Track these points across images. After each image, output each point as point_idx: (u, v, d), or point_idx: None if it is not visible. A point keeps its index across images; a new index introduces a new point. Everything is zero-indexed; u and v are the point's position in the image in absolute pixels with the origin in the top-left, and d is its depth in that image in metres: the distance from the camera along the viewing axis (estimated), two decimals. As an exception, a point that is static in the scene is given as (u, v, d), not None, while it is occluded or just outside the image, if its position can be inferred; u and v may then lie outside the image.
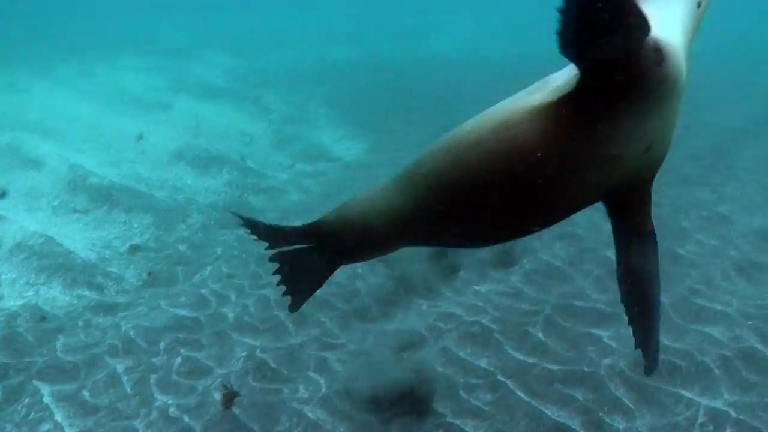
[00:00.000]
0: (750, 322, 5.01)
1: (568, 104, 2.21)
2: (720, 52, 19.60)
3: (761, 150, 9.94)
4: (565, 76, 2.28)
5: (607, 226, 6.29)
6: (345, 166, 10.55)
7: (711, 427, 3.91)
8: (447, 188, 2.45)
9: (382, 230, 2.80)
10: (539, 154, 2.23)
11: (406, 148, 10.50)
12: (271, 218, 8.19)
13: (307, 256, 3.19)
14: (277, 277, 3.20)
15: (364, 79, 16.44)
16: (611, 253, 6.29)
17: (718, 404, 4.10)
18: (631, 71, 2.13)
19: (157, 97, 14.20)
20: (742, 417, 3.98)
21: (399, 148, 10.43)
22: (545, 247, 6.33)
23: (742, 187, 8.30)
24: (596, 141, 2.24)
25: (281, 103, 14.25)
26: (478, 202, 2.41)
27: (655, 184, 7.39)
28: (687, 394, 4.20)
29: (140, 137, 11.14)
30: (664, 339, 4.74)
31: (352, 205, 2.97)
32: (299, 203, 8.90)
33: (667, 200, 7.76)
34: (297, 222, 7.74)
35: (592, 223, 6.96)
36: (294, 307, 3.25)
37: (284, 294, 3.21)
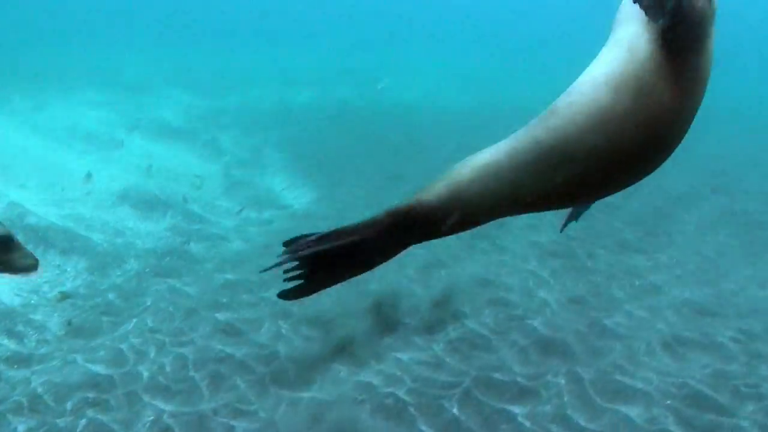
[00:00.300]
0: (668, 402, 5.00)
1: (675, 58, 2.61)
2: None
3: (701, 216, 10.12)
4: (634, 44, 2.65)
5: (541, 293, 6.32)
6: (291, 214, 10.46)
7: None
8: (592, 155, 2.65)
9: (504, 205, 2.92)
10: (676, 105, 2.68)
11: (353, 201, 10.53)
12: (207, 269, 8.07)
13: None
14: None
15: (322, 123, 16.47)
16: (539, 323, 6.33)
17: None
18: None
19: (110, 134, 14.01)
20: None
21: (346, 201, 10.42)
22: (475, 312, 6.29)
23: (678, 255, 8.40)
24: (701, 83, 2.75)
25: (236, 146, 14.17)
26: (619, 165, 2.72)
27: (593, 249, 7.46)
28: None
29: (89, 176, 10.96)
30: (580, 419, 4.70)
31: (467, 182, 2.91)
32: (239, 253, 8.74)
33: (603, 266, 7.82)
34: (230, 274, 7.66)
35: (526, 290, 6.97)
36: (295, 295, 3.09)
37: (298, 277, 3.03)
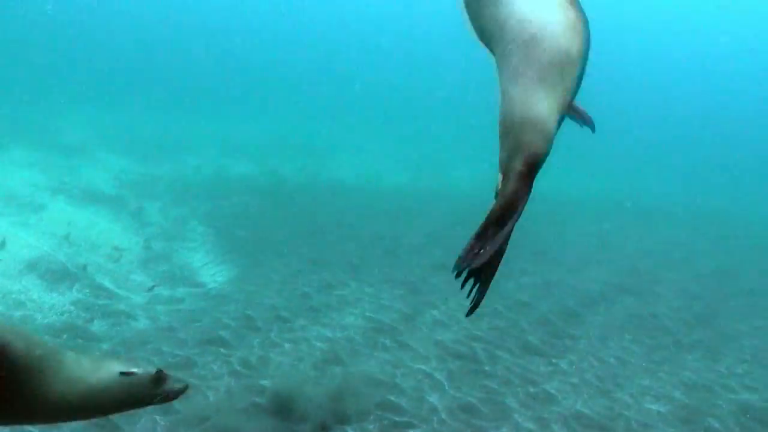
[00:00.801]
0: None
1: None
2: (600, 207, 20.76)
3: (608, 319, 10.27)
4: None
5: (432, 398, 6.23)
6: (205, 294, 10.27)
7: None
8: None
9: None
10: None
11: (268, 284, 10.42)
12: (102, 349, 7.84)
13: None
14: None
15: (254, 199, 16.42)
16: (423, 432, 6.28)
17: None
18: None
19: (32, 197, 13.69)
20: None
21: (259, 284, 10.30)
22: (359, 418, 6.22)
23: (578, 362, 8.48)
24: None
25: (161, 217, 13.99)
26: None
27: (495, 351, 7.46)
28: None
29: (2, 242, 10.63)
30: None
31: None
32: (141, 333, 8.52)
33: (501, 371, 7.83)
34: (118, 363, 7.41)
35: (418, 394, 6.93)
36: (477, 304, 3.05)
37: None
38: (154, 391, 3.42)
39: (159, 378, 3.45)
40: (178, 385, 3.64)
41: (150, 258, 11.58)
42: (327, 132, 30.07)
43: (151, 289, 10.30)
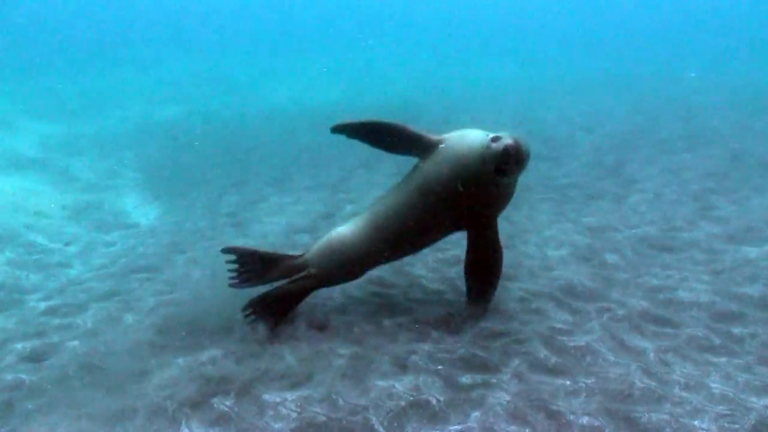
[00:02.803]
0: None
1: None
2: (523, 86, 21.12)
3: (520, 185, 10.79)
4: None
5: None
6: (137, 233, 10.54)
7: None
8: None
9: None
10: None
11: (193, 211, 10.74)
12: (35, 299, 8.14)
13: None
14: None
15: (182, 138, 16.53)
16: None
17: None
18: None
19: (-43, 171, 13.72)
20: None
21: (186, 213, 10.61)
22: None
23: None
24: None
25: (90, 171, 14.10)
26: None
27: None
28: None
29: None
30: None
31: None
32: (75, 278, 8.83)
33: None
34: (56, 300, 7.73)
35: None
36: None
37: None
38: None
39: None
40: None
41: (81, 209, 11.78)
42: (258, 65, 29.77)
43: (67, 244, 10.51)
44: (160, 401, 5.18)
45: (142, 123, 18.67)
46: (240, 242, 8.94)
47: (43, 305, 7.72)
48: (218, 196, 11.18)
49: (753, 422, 4.80)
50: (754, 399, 5.10)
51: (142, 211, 11.68)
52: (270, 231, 9.32)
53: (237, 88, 23.57)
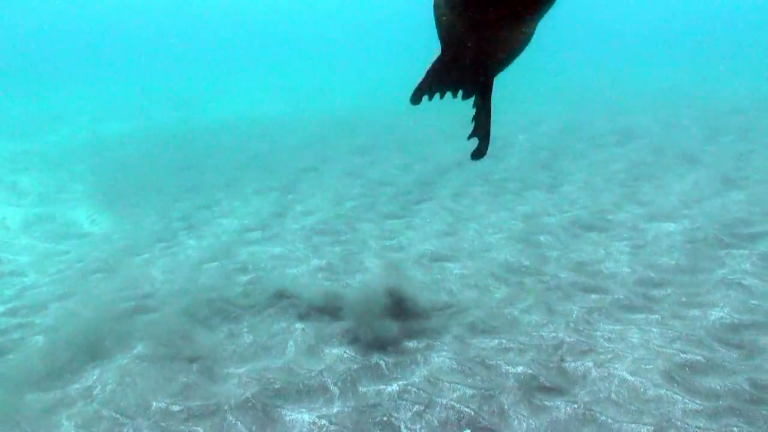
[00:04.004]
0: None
1: None
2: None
3: (460, 180, 11.45)
4: None
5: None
6: (89, 242, 10.76)
7: None
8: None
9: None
10: None
11: (147, 217, 11.01)
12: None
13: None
14: None
15: (129, 152, 16.71)
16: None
17: None
18: None
19: None
20: None
21: (140, 219, 10.86)
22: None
23: (431, 216, 9.60)
24: None
25: (39, 185, 14.17)
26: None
27: (355, 224, 8.33)
28: None
29: None
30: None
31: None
32: (30, 285, 9.02)
33: (359, 236, 8.82)
34: (13, 303, 7.94)
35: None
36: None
37: None
38: None
39: None
40: None
41: (32, 222, 11.90)
42: (206, 80, 29.99)
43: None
44: (126, 376, 5.54)
45: (91, 138, 18.76)
46: (193, 243, 9.31)
47: (1, 308, 7.93)
48: (171, 202, 11.48)
49: (662, 363, 5.43)
50: (665, 346, 5.73)
51: (95, 221, 11.87)
52: (223, 231, 9.69)
53: (186, 102, 23.80)
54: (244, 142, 16.16)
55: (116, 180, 13.93)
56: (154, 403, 5.20)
